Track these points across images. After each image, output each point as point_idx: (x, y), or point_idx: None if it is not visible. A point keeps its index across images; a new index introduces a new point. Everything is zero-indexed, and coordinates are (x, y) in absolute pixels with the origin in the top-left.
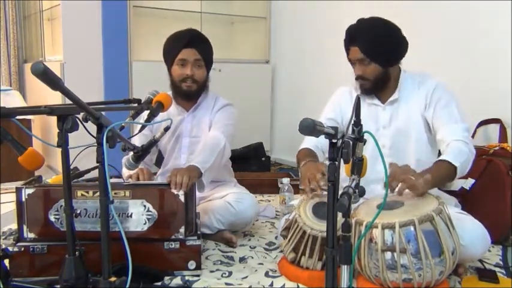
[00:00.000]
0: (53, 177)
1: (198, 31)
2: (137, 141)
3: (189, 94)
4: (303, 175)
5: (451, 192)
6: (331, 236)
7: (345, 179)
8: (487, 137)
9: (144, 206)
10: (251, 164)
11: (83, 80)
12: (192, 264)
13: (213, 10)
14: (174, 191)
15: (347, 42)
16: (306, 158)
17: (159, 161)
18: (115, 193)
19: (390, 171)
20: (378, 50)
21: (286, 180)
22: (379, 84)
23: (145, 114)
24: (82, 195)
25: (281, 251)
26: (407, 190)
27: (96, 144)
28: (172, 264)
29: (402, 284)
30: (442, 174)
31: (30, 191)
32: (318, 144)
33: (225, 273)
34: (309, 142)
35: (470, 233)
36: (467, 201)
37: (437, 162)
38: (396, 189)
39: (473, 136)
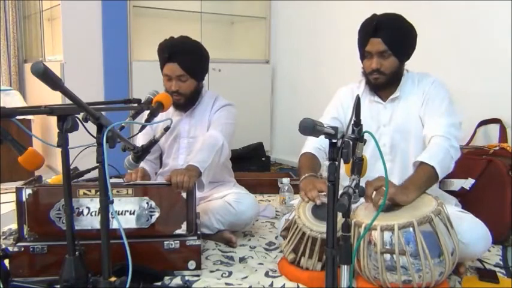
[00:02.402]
0: (53, 177)
1: (183, 41)
2: (141, 141)
3: (178, 105)
4: (302, 190)
5: (451, 193)
6: (331, 236)
7: (344, 177)
8: (487, 137)
9: (147, 203)
10: (251, 164)
11: (83, 80)
12: (192, 264)
13: (213, 10)
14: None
15: (368, 33)
16: (307, 171)
17: (160, 160)
18: (117, 191)
19: (367, 182)
20: (400, 44)
21: (286, 180)
22: (393, 80)
23: (146, 114)
24: (84, 193)
25: (281, 251)
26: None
27: (96, 144)
28: (172, 264)
29: (402, 285)
30: (425, 180)
31: (30, 191)
32: (320, 145)
33: (225, 273)
34: (311, 144)
35: (470, 231)
36: (468, 201)
37: (417, 165)
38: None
39: (473, 136)
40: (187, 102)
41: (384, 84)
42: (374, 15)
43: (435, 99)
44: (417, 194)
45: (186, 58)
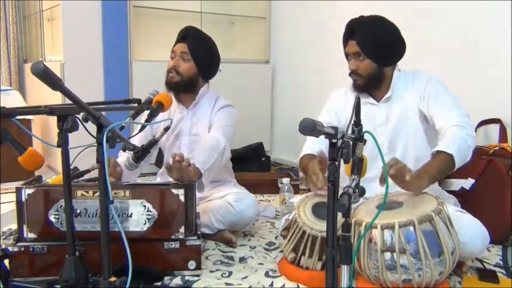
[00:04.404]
0: (53, 177)
1: (197, 29)
2: (137, 140)
3: (171, 85)
4: (310, 176)
5: (451, 193)
6: (331, 236)
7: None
8: (487, 137)
9: (144, 206)
10: (251, 164)
11: (83, 80)
12: (192, 264)
13: (213, 10)
14: (174, 190)
15: (345, 35)
16: (308, 162)
17: (160, 160)
18: (115, 193)
19: (390, 161)
20: (374, 46)
21: (286, 180)
22: (372, 83)
23: (146, 114)
24: (82, 195)
25: (281, 251)
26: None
27: (96, 144)
28: (172, 264)
29: (402, 284)
30: (439, 167)
31: (30, 191)
32: (317, 149)
33: (225, 273)
34: (309, 148)
35: (468, 230)
36: (468, 201)
37: (434, 154)
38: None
39: None
40: (181, 85)
41: (362, 87)
42: (358, 17)
43: (439, 94)
44: (430, 182)
45: (196, 42)
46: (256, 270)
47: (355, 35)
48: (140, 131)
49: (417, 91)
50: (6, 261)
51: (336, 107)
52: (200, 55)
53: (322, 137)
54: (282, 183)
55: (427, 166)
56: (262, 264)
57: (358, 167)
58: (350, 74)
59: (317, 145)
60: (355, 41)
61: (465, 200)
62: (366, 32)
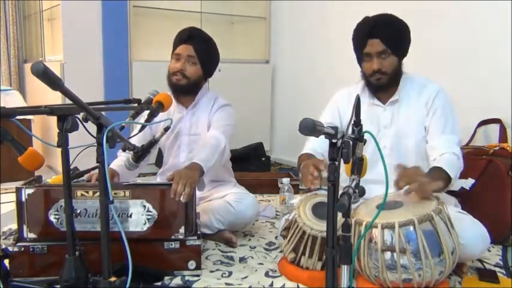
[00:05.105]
0: (53, 177)
1: (201, 30)
2: (137, 140)
3: (177, 88)
4: (302, 175)
5: (451, 192)
6: (331, 236)
7: (344, 179)
8: (487, 137)
9: (144, 206)
10: (251, 164)
11: (83, 80)
12: (192, 264)
13: (213, 10)
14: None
15: (365, 35)
16: (305, 160)
17: (159, 160)
18: (115, 193)
19: (401, 171)
20: (398, 42)
21: (286, 180)
22: (393, 79)
23: (145, 114)
24: (82, 195)
25: (281, 251)
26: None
27: (96, 144)
28: (172, 264)
29: (402, 284)
30: (443, 180)
31: (30, 191)
32: (318, 149)
33: (225, 273)
34: (309, 147)
35: (469, 232)
36: (468, 201)
37: (436, 169)
38: (404, 188)
39: (473, 136)
40: (187, 87)
41: (386, 84)
42: (367, 18)
43: (442, 114)
44: (438, 190)
45: (201, 43)
46: (256, 270)
47: (377, 33)
48: (140, 131)
49: (425, 104)
50: (6, 261)
51: (339, 107)
52: (206, 58)
53: (322, 137)
54: (282, 183)
55: (436, 176)
56: (262, 264)
57: (358, 167)
58: (372, 75)
59: (317, 145)
60: (378, 38)
61: (465, 200)
62: (388, 28)
